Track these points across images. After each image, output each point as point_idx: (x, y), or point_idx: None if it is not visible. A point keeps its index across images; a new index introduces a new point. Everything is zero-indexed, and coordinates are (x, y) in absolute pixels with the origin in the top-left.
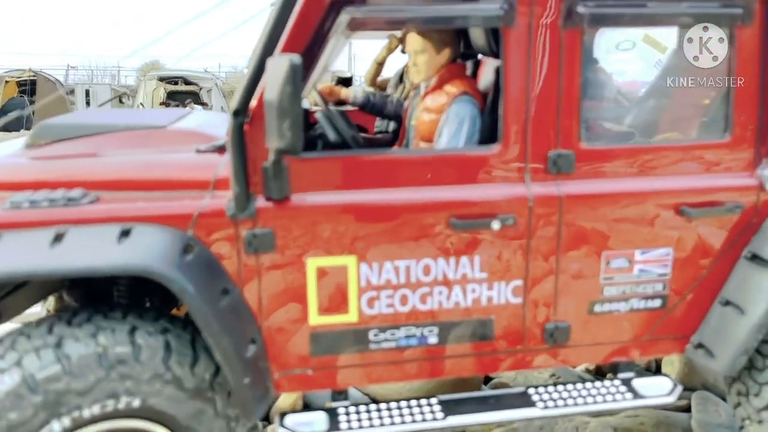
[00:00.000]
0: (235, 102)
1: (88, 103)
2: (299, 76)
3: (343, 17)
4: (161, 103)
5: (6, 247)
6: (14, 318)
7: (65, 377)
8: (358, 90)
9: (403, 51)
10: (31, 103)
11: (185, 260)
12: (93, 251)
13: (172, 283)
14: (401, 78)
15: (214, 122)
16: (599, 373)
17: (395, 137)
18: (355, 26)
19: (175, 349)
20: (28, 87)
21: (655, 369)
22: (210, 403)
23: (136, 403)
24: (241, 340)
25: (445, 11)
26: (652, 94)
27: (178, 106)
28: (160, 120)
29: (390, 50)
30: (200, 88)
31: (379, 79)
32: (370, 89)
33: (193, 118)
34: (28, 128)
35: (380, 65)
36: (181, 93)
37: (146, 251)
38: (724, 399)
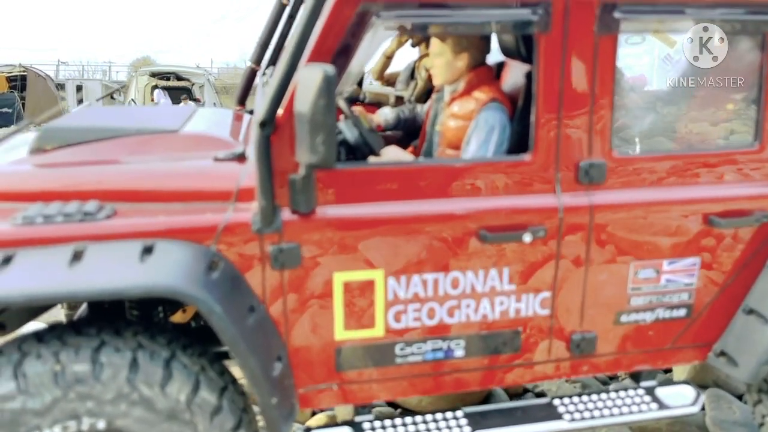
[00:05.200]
0: (261, 113)
1: (80, 101)
2: (333, 88)
3: (374, 23)
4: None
5: (22, 267)
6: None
7: (20, 396)
8: (388, 112)
9: (412, 45)
10: (22, 99)
11: (211, 278)
12: (115, 271)
13: (199, 303)
14: (412, 74)
15: (220, 123)
16: (612, 375)
17: (408, 136)
18: (386, 32)
19: (142, 368)
20: (19, 82)
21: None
22: (189, 427)
23: (100, 425)
24: (268, 359)
25: (479, 16)
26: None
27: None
28: (170, 123)
29: (399, 43)
30: (192, 84)
31: (387, 72)
32: (397, 108)
33: (202, 119)
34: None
35: (389, 58)
36: (173, 89)
37: (171, 270)
38: (736, 396)
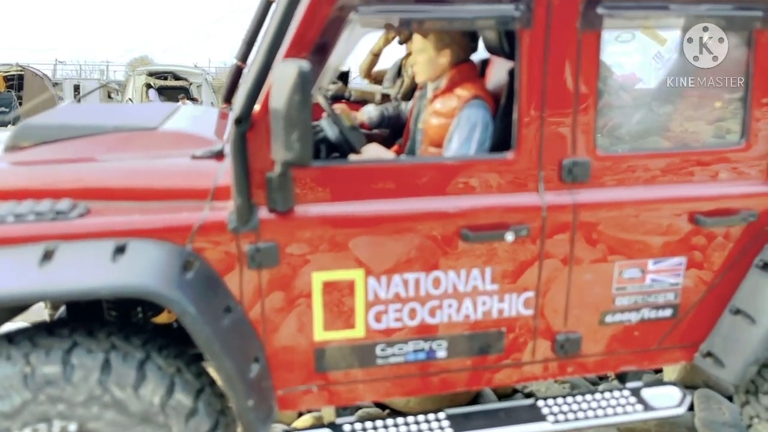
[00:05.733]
0: (237, 109)
1: (78, 101)
2: (308, 83)
3: (352, 18)
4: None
5: None
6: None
7: None
8: (371, 110)
9: (400, 42)
10: (19, 98)
11: (185, 278)
12: (86, 271)
13: (172, 304)
14: (399, 71)
15: (203, 120)
16: (601, 376)
17: (394, 135)
18: (365, 28)
19: (114, 369)
20: (16, 82)
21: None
22: (164, 430)
23: (72, 427)
24: (245, 361)
25: (460, 12)
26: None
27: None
28: (150, 120)
29: (386, 41)
30: (190, 84)
31: (374, 70)
32: (381, 105)
33: (183, 117)
34: (15, 125)
35: (376, 56)
36: (171, 88)
37: (143, 270)
38: (726, 397)
